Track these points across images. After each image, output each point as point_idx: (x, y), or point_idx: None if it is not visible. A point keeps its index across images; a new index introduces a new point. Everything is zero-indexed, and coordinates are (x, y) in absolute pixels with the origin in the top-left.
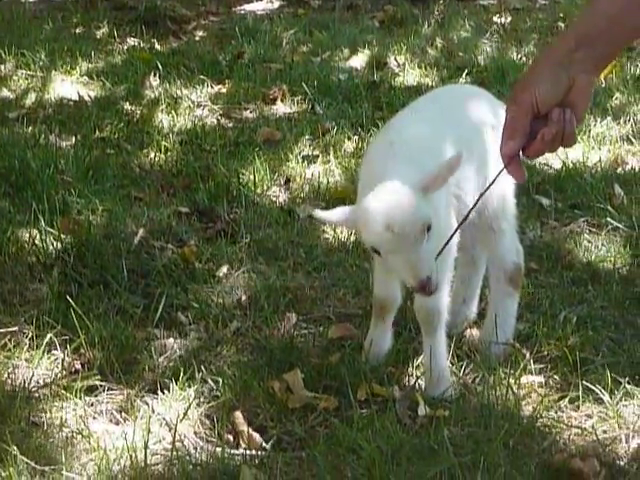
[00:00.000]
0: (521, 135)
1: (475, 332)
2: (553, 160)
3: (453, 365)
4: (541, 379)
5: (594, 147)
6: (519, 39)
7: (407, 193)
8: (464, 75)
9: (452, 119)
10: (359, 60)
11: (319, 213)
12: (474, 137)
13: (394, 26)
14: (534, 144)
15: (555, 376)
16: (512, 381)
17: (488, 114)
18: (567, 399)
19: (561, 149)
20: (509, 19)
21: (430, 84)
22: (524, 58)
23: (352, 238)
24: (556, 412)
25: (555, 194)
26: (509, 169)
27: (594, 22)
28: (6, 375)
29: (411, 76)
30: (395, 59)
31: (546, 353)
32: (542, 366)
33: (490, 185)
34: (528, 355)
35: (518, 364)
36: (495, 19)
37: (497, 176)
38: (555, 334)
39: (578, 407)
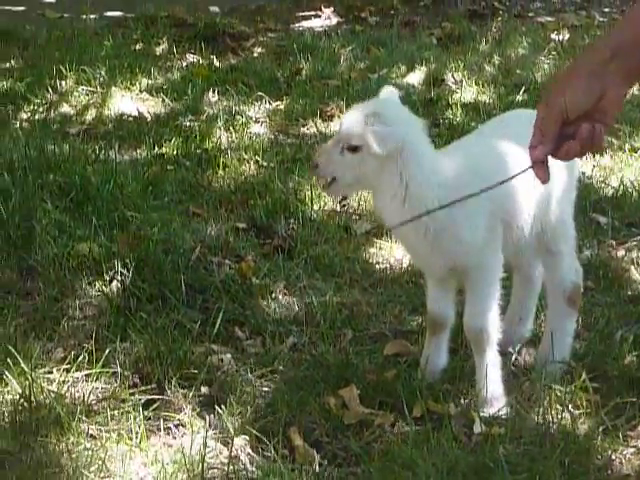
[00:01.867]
0: (550, 140)
1: (531, 350)
2: (610, 178)
3: (508, 383)
4: (597, 398)
5: None
6: (576, 56)
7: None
8: (521, 92)
9: (516, 146)
10: (416, 77)
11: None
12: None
13: (451, 43)
14: (560, 152)
15: (611, 395)
16: (568, 399)
17: None
18: (623, 418)
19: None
20: (567, 36)
21: (487, 101)
22: None
23: (408, 255)
24: (612, 431)
25: (612, 212)
26: (535, 170)
27: (629, 33)
28: (66, 388)
29: (468, 93)
30: (452, 76)
31: (602, 372)
32: (598, 385)
33: (510, 179)
34: (584, 374)
35: (574, 383)
36: (553, 36)
37: (519, 173)
38: (611, 353)
39: (635, 427)
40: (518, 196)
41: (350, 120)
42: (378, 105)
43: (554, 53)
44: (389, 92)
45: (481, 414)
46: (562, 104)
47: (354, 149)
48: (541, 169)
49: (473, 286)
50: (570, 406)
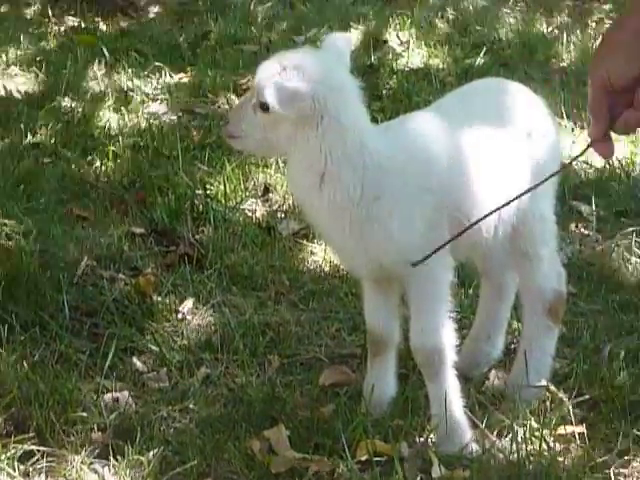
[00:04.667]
0: (602, 117)
1: (501, 374)
2: (593, 158)
3: (473, 414)
4: (582, 429)
5: None
6: (549, 7)
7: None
8: (482, 54)
9: (476, 126)
10: (352, 38)
11: None
12: (496, 150)
13: None
14: (618, 125)
15: (600, 425)
16: (547, 432)
17: (521, 118)
18: (614, 452)
19: None
20: None
21: (440, 66)
22: (556, 31)
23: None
24: (601, 469)
25: (597, 199)
26: (595, 149)
27: None
28: None
29: (417, 56)
30: (397, 36)
31: (588, 397)
32: (584, 413)
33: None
34: (566, 400)
35: (554, 411)
36: None
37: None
38: (599, 373)
39: (629, 462)
40: (474, 187)
41: (263, 72)
42: (302, 56)
43: (521, 4)
44: (336, 39)
45: (440, 454)
46: (603, 75)
47: (266, 107)
48: (600, 147)
49: (416, 296)
50: (550, 440)
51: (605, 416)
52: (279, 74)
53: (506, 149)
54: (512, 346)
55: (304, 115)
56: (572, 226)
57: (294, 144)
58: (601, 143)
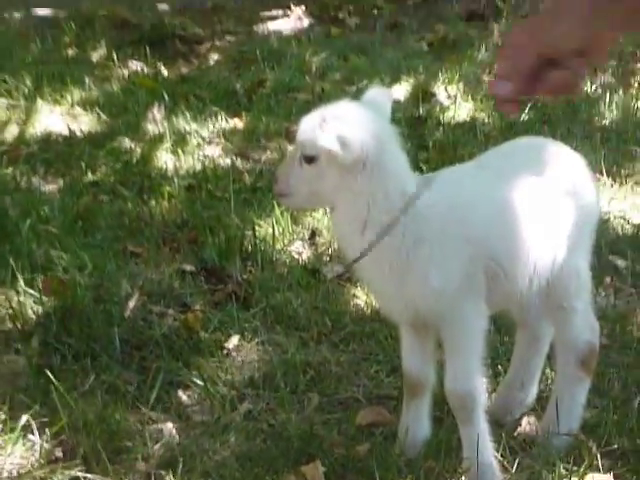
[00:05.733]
0: (522, 79)
1: (532, 420)
2: (631, 213)
3: (504, 459)
4: (610, 478)
5: None
6: (594, 67)
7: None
8: (527, 110)
9: (513, 178)
10: (402, 90)
11: None
12: (536, 205)
13: (445, 50)
14: (542, 86)
15: (627, 475)
16: None
17: (561, 176)
18: None
19: None
20: None
21: (486, 120)
22: (599, 90)
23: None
24: None
25: (632, 254)
26: (501, 109)
27: None
28: None
29: (464, 110)
30: (445, 89)
31: (617, 446)
32: (612, 462)
33: None
34: (595, 448)
35: (583, 459)
36: None
37: None
38: (628, 423)
39: None
40: (511, 240)
41: (305, 125)
42: (341, 107)
43: None
44: (376, 93)
45: None
46: (548, 40)
47: (310, 160)
48: (508, 107)
49: (450, 343)
50: None
51: (633, 466)
52: (319, 126)
53: (544, 205)
54: (544, 394)
55: (347, 163)
56: (607, 279)
57: (339, 194)
58: (509, 103)
